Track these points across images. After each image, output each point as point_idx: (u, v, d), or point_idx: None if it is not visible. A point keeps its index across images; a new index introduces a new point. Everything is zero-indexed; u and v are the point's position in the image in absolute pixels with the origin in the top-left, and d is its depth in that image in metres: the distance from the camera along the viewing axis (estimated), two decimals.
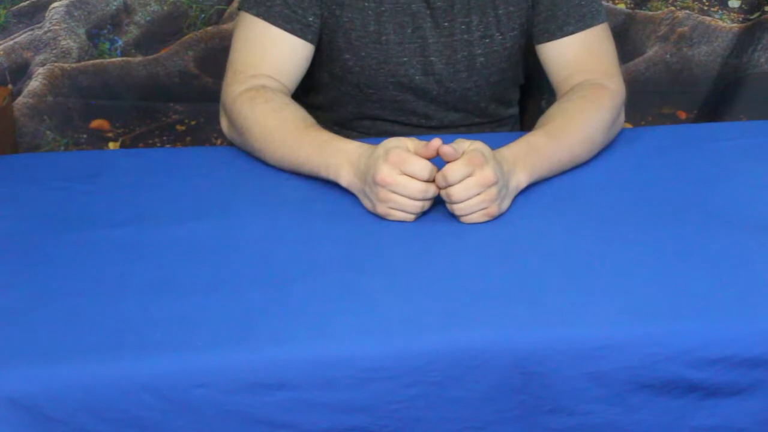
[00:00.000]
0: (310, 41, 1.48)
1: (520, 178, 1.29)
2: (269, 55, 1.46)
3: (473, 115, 1.61)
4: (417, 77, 1.54)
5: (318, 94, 1.62)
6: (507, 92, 1.64)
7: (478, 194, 1.22)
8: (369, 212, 1.26)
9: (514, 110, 1.70)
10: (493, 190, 1.23)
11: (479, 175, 1.21)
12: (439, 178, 1.23)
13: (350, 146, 1.29)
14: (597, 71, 1.47)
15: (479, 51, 1.52)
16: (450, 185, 1.22)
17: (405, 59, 1.52)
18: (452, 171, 1.21)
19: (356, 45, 1.50)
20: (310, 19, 1.47)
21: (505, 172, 1.26)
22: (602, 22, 1.50)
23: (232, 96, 1.43)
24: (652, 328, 1.06)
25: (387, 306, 1.08)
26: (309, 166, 1.32)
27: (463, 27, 1.51)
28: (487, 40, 1.52)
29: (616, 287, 1.12)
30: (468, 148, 1.23)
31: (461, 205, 1.22)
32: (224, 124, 1.47)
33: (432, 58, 1.52)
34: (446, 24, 1.51)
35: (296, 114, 1.39)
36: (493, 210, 1.24)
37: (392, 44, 1.51)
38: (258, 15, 1.46)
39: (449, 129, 1.60)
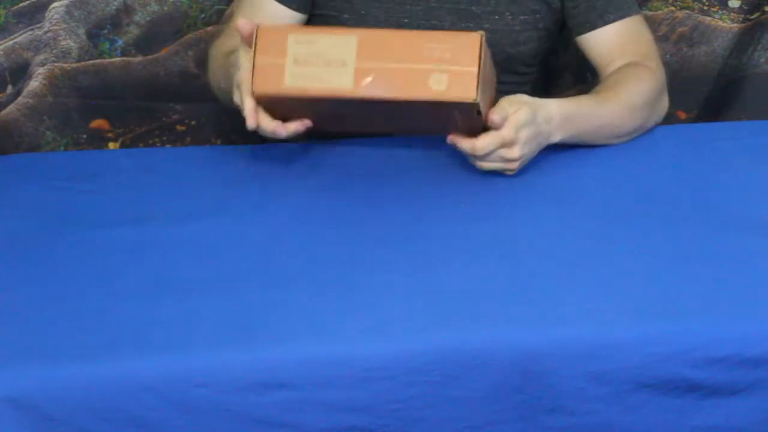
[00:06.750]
0: (298, 10, 1.51)
1: (551, 107, 1.33)
2: (253, 18, 1.49)
3: None
4: None
5: None
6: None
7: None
8: (370, 212, 1.26)
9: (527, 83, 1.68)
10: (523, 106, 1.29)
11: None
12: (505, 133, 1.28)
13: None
14: (638, 54, 1.51)
15: (486, 26, 1.52)
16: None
17: (406, 20, 1.52)
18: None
19: (356, 3, 1.51)
20: None
21: (533, 102, 1.32)
22: (639, 13, 1.55)
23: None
24: (652, 328, 1.06)
25: (387, 306, 1.08)
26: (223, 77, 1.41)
27: None
28: (496, 17, 1.52)
29: (616, 287, 1.11)
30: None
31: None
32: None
33: (434, 22, 1.52)
34: None
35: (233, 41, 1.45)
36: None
37: (393, 3, 1.51)
38: None
39: None
